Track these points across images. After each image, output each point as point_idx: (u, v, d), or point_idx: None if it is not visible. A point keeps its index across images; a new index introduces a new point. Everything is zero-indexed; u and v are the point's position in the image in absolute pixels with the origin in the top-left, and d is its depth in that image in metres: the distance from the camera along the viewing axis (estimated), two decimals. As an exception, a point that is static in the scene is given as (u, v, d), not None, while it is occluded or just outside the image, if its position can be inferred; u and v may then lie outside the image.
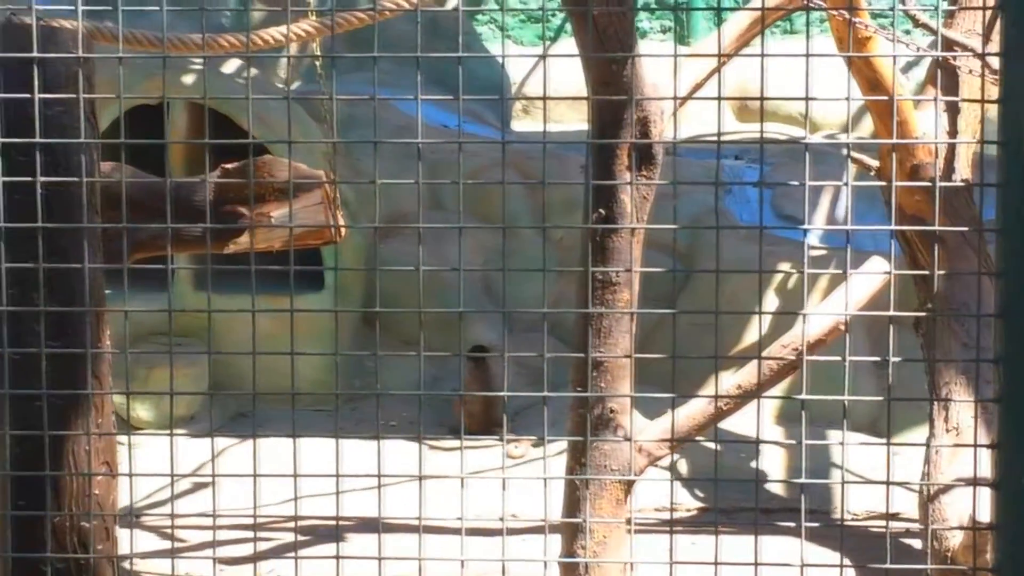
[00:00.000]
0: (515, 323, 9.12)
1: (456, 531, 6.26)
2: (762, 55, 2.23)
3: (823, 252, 8.69)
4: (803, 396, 2.36)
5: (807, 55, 2.29)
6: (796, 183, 2.27)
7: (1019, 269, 2.06)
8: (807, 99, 2.31)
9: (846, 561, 6.04)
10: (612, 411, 4.19)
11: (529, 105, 11.32)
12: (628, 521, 3.87)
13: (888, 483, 2.61)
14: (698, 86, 4.36)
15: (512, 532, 6.45)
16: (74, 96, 3.08)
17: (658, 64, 3.97)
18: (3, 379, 3.08)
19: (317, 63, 4.43)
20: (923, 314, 4.87)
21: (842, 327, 4.15)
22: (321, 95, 4.27)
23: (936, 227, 2.28)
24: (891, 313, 2.36)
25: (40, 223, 2.89)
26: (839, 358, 2.46)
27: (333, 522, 6.51)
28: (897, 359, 2.31)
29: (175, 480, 6.87)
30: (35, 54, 2.77)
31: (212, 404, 8.07)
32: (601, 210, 4.04)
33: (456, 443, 7.51)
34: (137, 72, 7.51)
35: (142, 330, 7.87)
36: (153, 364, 7.81)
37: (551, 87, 11.07)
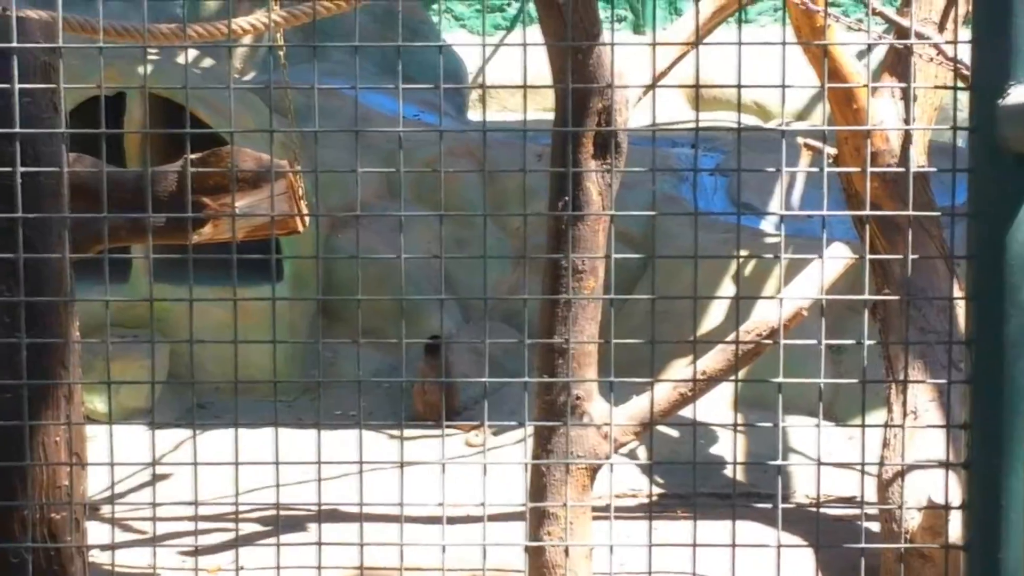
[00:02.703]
0: (471, 312, 9.13)
1: (417, 519, 6.29)
2: (739, 43, 2.26)
3: (779, 239, 8.75)
4: (779, 379, 2.40)
5: (783, 43, 2.32)
6: (772, 169, 2.30)
7: (989, 253, 2.10)
8: (783, 86, 2.34)
9: (802, 542, 6.12)
10: (578, 398, 4.23)
11: (483, 93, 11.32)
12: (607, 507, 3.89)
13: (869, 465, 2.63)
14: (662, 75, 4.39)
15: (473, 520, 6.47)
16: (53, 86, 3.07)
17: (619, 53, 4.00)
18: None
19: (281, 53, 4.43)
20: (896, 298, 4.92)
21: (804, 312, 4.20)
22: (296, 85, 4.29)
23: (910, 212, 2.31)
24: (866, 297, 2.39)
25: (20, 214, 2.87)
26: (815, 341, 2.49)
27: (292, 512, 6.51)
28: (872, 342, 2.35)
29: (139, 471, 6.85)
30: (14, 44, 2.76)
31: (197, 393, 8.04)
32: (566, 198, 4.06)
33: (414, 432, 7.52)
34: (91, 62, 7.47)
35: (98, 321, 7.84)
36: (111, 356, 7.76)
37: (506, 76, 11.09)
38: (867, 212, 2.30)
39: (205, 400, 8.26)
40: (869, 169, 2.46)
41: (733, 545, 2.42)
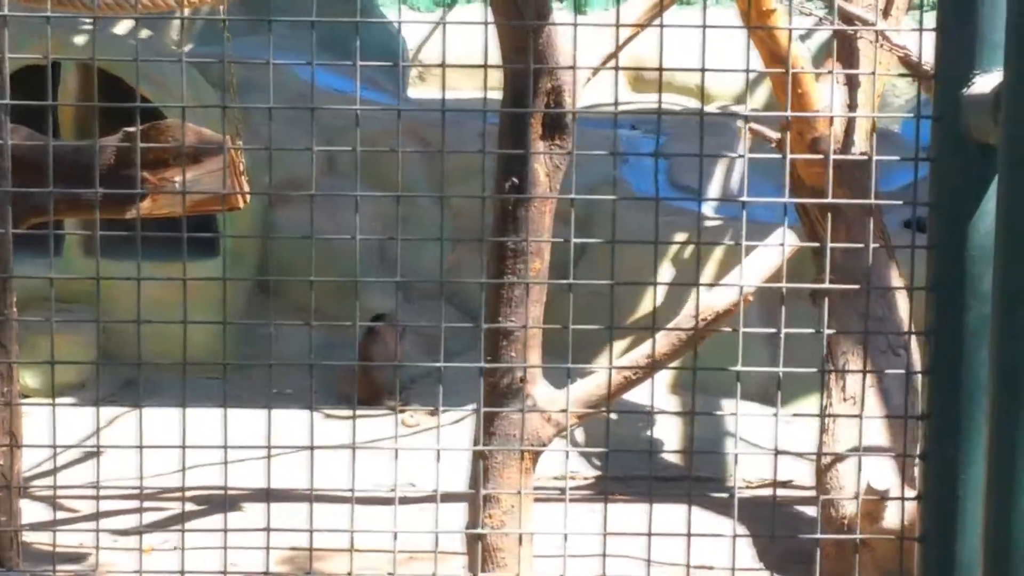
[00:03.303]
0: (411, 291, 9.07)
1: (347, 500, 6.23)
2: (703, 26, 2.23)
3: (719, 223, 8.76)
4: (739, 368, 2.37)
5: (749, 27, 2.29)
6: (734, 155, 2.27)
7: (950, 243, 2.09)
8: (747, 71, 2.31)
9: (742, 527, 6.13)
10: (522, 380, 4.19)
11: (425, 72, 11.25)
12: (562, 491, 3.86)
13: (863, 454, 2.62)
14: (611, 56, 4.36)
15: (409, 501, 6.44)
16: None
17: (566, 34, 3.96)
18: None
19: (226, 34, 4.35)
20: (852, 287, 4.92)
21: (750, 298, 4.19)
22: (248, 60, 4.21)
23: (872, 200, 2.29)
24: (827, 286, 2.37)
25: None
26: (774, 330, 2.48)
27: (234, 492, 6.44)
28: (831, 331, 2.33)
29: (64, 451, 6.74)
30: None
31: (101, 373, 7.93)
32: (514, 179, 4.02)
33: (347, 413, 7.46)
34: (27, 30, 7.32)
35: (28, 295, 7.72)
36: (42, 331, 7.64)
37: (448, 53, 11.02)
38: (829, 200, 2.28)
39: (136, 376, 8.15)
40: (832, 157, 2.44)
41: (688, 535, 2.40)
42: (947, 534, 2.11)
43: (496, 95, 4.36)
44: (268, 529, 3.11)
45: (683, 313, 4.22)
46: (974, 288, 2.07)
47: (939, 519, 2.13)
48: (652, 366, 4.11)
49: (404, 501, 6.35)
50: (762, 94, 10.90)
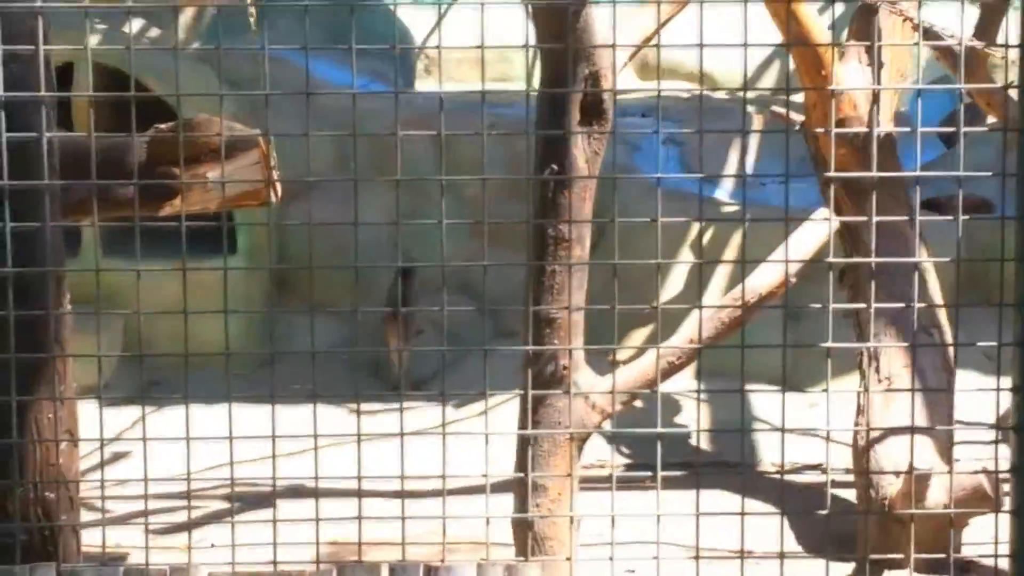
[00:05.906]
0: (425, 282, 9.04)
1: (383, 494, 6.22)
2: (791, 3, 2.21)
3: (736, 207, 8.73)
4: (829, 344, 2.36)
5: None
6: (797, 127, 2.21)
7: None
8: (744, 45, 2.29)
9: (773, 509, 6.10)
10: (565, 367, 4.17)
11: (430, 64, 11.20)
12: (602, 480, 3.82)
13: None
14: (647, 40, 4.34)
15: (454, 492, 6.41)
16: (33, 48, 2.96)
17: (604, 19, 3.94)
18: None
19: (252, 20, 4.34)
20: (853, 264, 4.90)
21: (793, 279, 4.17)
22: (244, 47, 4.22)
23: (960, 173, 2.27)
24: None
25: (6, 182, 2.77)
26: (819, 305, 2.48)
27: (264, 488, 6.42)
28: (879, 305, 2.31)
29: (93, 450, 6.72)
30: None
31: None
32: (554, 165, 4.00)
33: (380, 406, 7.44)
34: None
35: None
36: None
37: (455, 44, 10.97)
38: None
39: (160, 376, 8.13)
40: (868, 130, 2.42)
41: (742, 513, 2.39)
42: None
43: (497, 86, 4.33)
44: (316, 519, 3.10)
45: (727, 296, 4.20)
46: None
47: (1033, 491, 2.11)
48: (698, 348, 4.09)
49: (449, 492, 6.32)
50: (771, 78, 10.88)
